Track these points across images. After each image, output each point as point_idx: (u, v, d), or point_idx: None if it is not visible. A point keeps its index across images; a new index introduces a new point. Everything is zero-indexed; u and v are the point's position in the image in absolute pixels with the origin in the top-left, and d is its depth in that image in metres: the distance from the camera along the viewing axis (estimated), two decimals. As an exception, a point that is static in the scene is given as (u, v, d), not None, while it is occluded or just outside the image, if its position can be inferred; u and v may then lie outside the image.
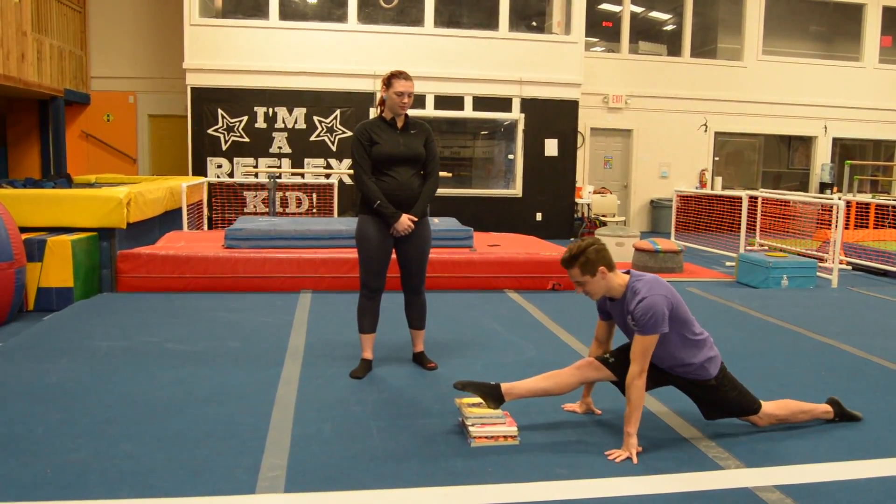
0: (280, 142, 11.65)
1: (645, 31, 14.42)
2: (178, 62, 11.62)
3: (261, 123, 11.58)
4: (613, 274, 3.23)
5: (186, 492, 2.72)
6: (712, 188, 14.10)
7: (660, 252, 8.60)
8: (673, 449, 3.22)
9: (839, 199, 9.12)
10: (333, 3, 12.10)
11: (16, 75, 9.82)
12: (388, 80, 4.08)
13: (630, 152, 14.04)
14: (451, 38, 12.03)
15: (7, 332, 5.28)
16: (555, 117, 12.39)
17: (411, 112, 4.29)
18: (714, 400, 3.33)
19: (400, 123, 4.16)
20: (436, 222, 7.70)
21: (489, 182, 12.83)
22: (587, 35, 12.71)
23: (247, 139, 11.56)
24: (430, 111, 11.92)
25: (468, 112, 12.21)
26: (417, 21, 12.02)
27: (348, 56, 11.69)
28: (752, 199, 10.44)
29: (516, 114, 12.30)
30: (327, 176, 11.68)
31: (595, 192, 13.07)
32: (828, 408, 3.58)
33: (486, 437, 3.21)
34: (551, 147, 12.47)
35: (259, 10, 11.67)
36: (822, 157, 14.95)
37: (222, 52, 11.37)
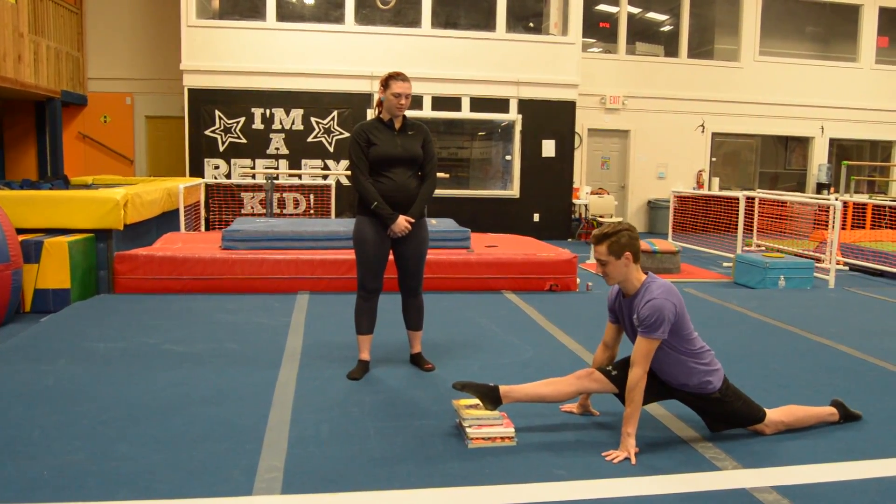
0: (277, 143, 11.65)
1: (642, 32, 14.44)
2: (175, 63, 11.62)
3: (258, 125, 11.58)
4: (636, 266, 3.24)
5: (184, 493, 2.72)
6: (709, 189, 14.12)
7: (657, 253, 8.61)
8: (670, 450, 3.23)
9: (836, 199, 9.14)
10: (331, 4, 12.11)
11: (12, 77, 9.81)
12: (386, 82, 4.09)
13: (627, 153, 14.06)
14: (449, 39, 12.03)
15: (4, 334, 5.27)
16: (552, 118, 12.40)
17: (409, 113, 4.29)
18: (719, 412, 3.33)
19: (398, 125, 4.17)
20: (433, 223, 7.69)
21: (487, 183, 12.84)
22: (584, 36, 12.72)
23: (244, 140, 11.55)
24: (427, 112, 11.92)
25: (465, 113, 12.21)
26: (415, 22, 12.03)
27: (346, 57, 11.69)
28: (749, 200, 10.46)
29: (513, 115, 12.31)
30: (325, 177, 11.68)
31: (592, 193, 13.07)
32: (833, 410, 3.58)
33: (483, 439, 3.21)
34: (549, 148, 12.48)
35: (256, 12, 11.67)
36: (818, 157, 14.98)
37: (219, 54, 11.37)
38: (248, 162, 11.56)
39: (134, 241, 7.32)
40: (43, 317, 5.72)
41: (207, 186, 11.09)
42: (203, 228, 10.55)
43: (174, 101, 12.29)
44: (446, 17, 12.50)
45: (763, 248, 10.10)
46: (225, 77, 11.40)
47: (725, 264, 9.40)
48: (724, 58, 14.44)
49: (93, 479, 2.81)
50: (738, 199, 9.98)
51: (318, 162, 11.80)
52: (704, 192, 13.02)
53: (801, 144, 15.11)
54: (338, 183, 11.52)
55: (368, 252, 4.16)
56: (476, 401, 3.36)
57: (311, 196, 11.69)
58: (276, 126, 11.63)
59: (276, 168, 11.55)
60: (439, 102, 12.07)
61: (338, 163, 11.79)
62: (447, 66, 11.95)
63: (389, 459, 3.07)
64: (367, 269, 4.19)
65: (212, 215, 11.29)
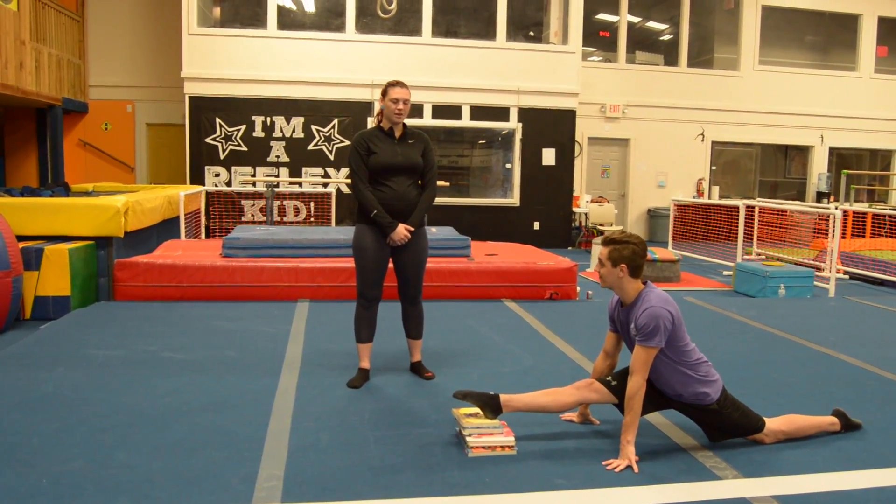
0: (278, 151, 11.67)
1: (642, 41, 14.48)
2: (176, 71, 11.65)
3: (259, 132, 11.60)
4: (632, 280, 3.29)
5: (182, 501, 2.72)
6: (709, 197, 14.13)
7: (657, 261, 8.61)
8: (670, 459, 3.22)
9: (836, 208, 9.15)
10: (331, 12, 12.14)
11: (14, 84, 9.84)
12: (385, 90, 4.12)
13: (627, 161, 14.08)
14: (449, 47, 12.07)
15: (4, 341, 5.26)
16: (552, 127, 12.43)
17: (409, 122, 4.30)
18: (717, 423, 3.34)
19: (398, 133, 4.18)
20: (433, 231, 7.70)
21: (487, 191, 12.85)
22: (584, 45, 12.76)
23: (245, 148, 11.57)
24: (427, 120, 11.95)
25: (466, 121, 12.24)
26: (415, 31, 12.07)
27: (346, 65, 11.72)
28: (749, 209, 10.47)
29: (514, 123, 12.33)
30: (325, 185, 11.70)
31: (592, 202, 13.09)
32: (834, 420, 3.57)
33: (483, 447, 3.21)
34: (549, 156, 12.50)
35: (257, 20, 11.71)
36: (818, 166, 15.00)
37: (220, 62, 11.40)
38: (248, 170, 11.58)
39: (134, 249, 7.32)
40: (43, 324, 5.72)
41: (208, 194, 11.10)
42: (203, 236, 10.55)
43: (175, 108, 12.32)
44: (447, 26, 12.54)
45: (763, 257, 10.10)
46: (226, 85, 11.43)
47: (725, 273, 9.40)
48: (723, 67, 14.48)
49: (91, 487, 2.81)
50: (737, 207, 9.99)
51: (319, 170, 11.81)
52: (704, 200, 13.03)
53: (800, 153, 15.13)
54: (338, 191, 11.54)
55: (368, 260, 4.16)
56: (476, 409, 3.36)
57: (312, 204, 11.70)
58: (277, 134, 11.65)
59: (277, 176, 11.56)
60: (439, 111, 12.10)
61: (338, 171, 11.81)
62: (447, 74, 11.98)
63: (389, 468, 3.06)
64: (367, 278, 4.19)
65: (212, 223, 11.30)
